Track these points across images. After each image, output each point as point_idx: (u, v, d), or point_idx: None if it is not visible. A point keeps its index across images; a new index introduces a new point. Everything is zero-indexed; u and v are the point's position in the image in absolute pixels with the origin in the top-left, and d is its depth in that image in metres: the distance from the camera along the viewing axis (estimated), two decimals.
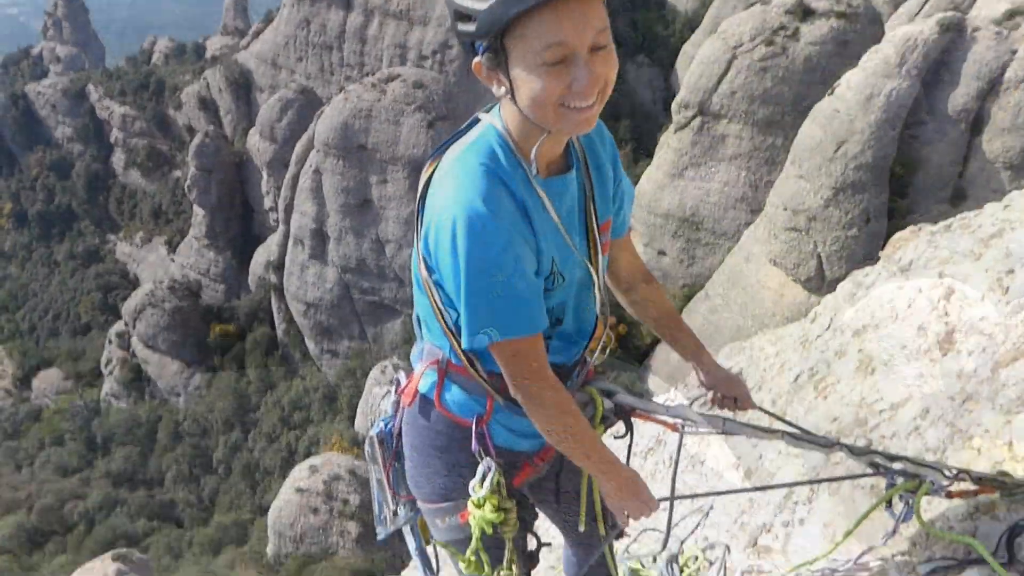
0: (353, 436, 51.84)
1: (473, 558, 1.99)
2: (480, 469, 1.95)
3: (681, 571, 2.79)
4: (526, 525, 2.00)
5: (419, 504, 2.15)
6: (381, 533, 2.42)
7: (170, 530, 53.24)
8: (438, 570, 2.37)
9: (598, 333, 2.07)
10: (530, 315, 1.76)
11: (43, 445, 64.13)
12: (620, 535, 2.33)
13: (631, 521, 1.98)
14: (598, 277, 1.95)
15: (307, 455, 48.88)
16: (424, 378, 2.06)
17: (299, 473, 37.76)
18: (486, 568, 2.00)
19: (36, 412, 68.02)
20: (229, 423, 59.77)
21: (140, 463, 60.71)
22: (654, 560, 3.04)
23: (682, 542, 3.14)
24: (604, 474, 1.92)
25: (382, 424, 2.31)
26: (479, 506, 1.92)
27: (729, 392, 2.26)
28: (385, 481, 2.30)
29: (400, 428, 2.22)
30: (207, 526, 50.26)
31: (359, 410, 53.71)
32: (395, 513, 2.35)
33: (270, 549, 35.96)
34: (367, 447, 2.32)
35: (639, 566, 2.88)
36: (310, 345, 59.87)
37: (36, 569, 50.67)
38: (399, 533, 2.41)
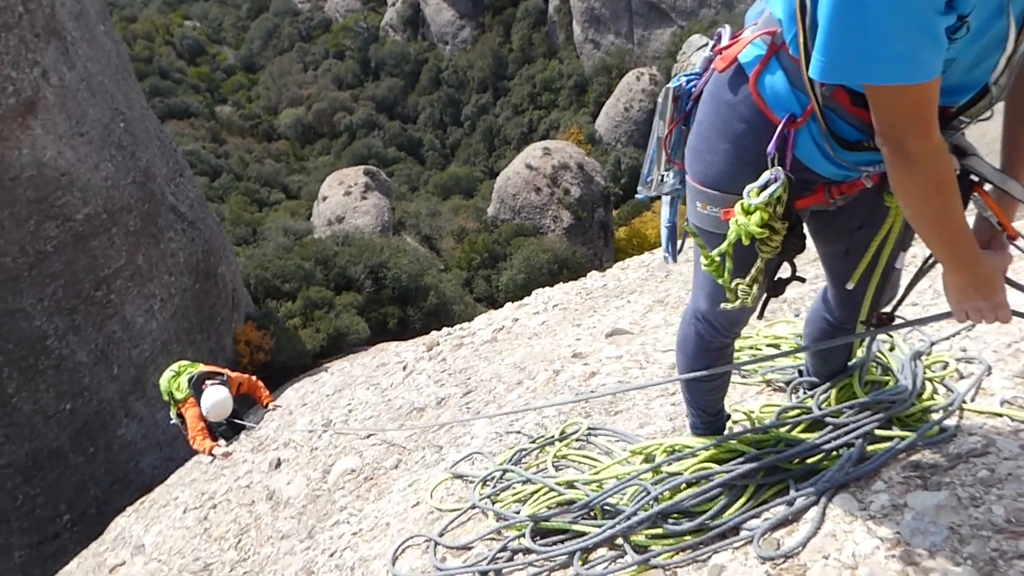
0: (591, 133, 52.38)
1: (717, 259, 1.76)
2: (765, 175, 1.63)
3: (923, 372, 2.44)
4: (787, 252, 1.70)
5: (687, 179, 1.90)
6: (642, 193, 2.24)
7: (413, 164, 59.20)
8: (678, 252, 2.20)
9: (977, 106, 1.55)
10: (935, 53, 1.31)
11: (327, 55, 70.89)
12: (882, 323, 1.99)
13: (968, 321, 1.63)
14: (1016, 43, 1.39)
15: (544, 137, 50.44)
16: (750, 48, 1.66)
17: (533, 151, 39.26)
18: (725, 275, 1.76)
19: (327, 23, 74.26)
20: (483, 84, 62.16)
21: (401, 97, 65.92)
22: (891, 348, 2.69)
23: (932, 343, 2.74)
24: (960, 268, 1.53)
25: (683, 80, 2.00)
26: (747, 212, 1.63)
27: None
28: (664, 141, 2.06)
29: (701, 92, 1.90)
30: (443, 171, 55.15)
31: (604, 110, 53.52)
32: (662, 179, 2.14)
33: (490, 210, 39.08)
34: (660, 98, 2.04)
35: (882, 352, 2.56)
36: (576, 30, 58.44)
37: (305, 160, 59.37)
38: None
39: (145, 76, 51.32)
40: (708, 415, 2.37)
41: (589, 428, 2.98)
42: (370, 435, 4.39)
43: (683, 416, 3.03)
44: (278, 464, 5.28)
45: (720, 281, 1.80)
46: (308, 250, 26.23)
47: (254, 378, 8.06)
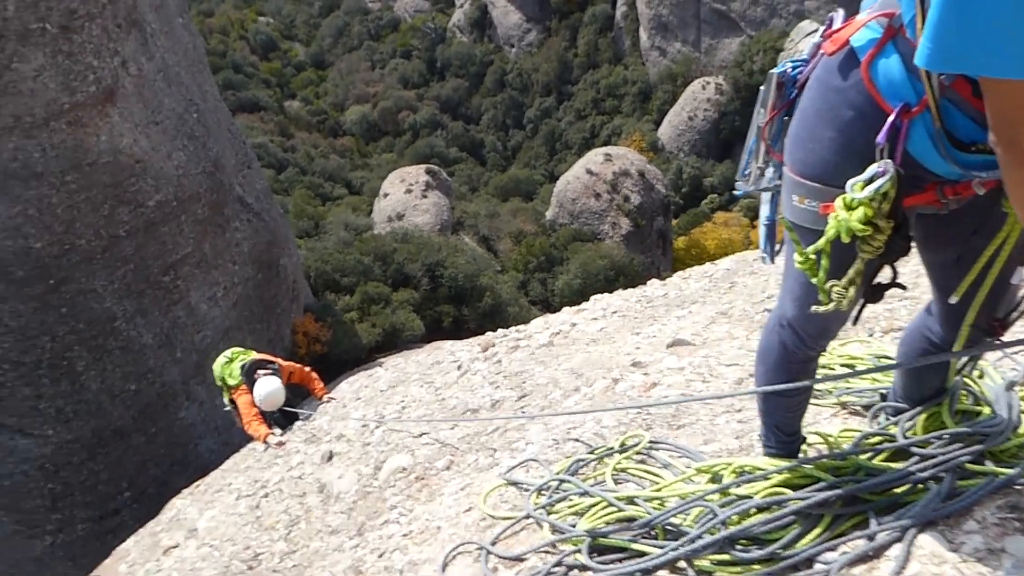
0: (653, 141, 51.83)
1: (812, 257, 1.63)
2: (872, 168, 1.51)
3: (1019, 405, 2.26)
4: (890, 254, 1.56)
5: (785, 170, 1.79)
6: (740, 188, 2.13)
7: (473, 165, 59.55)
8: (777, 252, 2.08)
9: None
10: None
11: (394, 54, 71.92)
12: (994, 333, 1.83)
13: None
14: None
15: (606, 142, 50.16)
16: (864, 30, 1.54)
17: (594, 156, 39.04)
18: (820, 274, 1.63)
19: (395, 22, 75.38)
20: (547, 87, 62.15)
21: (465, 97, 66.40)
22: (980, 376, 2.51)
23: None
24: None
25: (789, 66, 1.89)
26: (849, 207, 1.51)
27: None
28: (764, 131, 1.95)
29: (807, 79, 1.79)
30: (503, 173, 55.30)
31: (667, 118, 52.91)
32: (761, 172, 2.02)
33: (549, 214, 39.00)
34: (763, 87, 1.93)
35: (972, 380, 2.38)
36: (642, 37, 57.93)
37: (368, 156, 60.29)
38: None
39: (219, 69, 52.85)
40: (784, 435, 2.23)
41: (651, 441, 2.87)
42: (422, 434, 4.35)
43: (750, 435, 2.89)
44: (330, 457, 5.30)
45: (814, 281, 1.66)
46: (368, 246, 26.58)
47: (307, 369, 8.12)
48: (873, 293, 1.71)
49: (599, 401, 3.93)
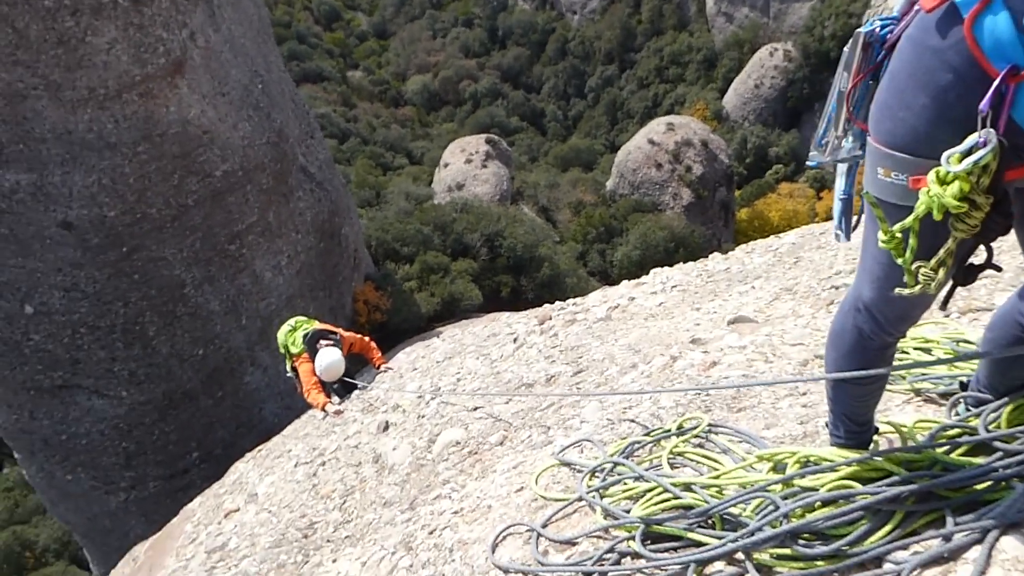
0: (718, 110, 50.49)
1: (899, 235, 1.49)
2: (972, 138, 1.36)
3: None
4: (988, 233, 1.42)
5: (869, 139, 1.64)
6: (814, 159, 1.98)
7: (534, 135, 59.15)
8: (853, 228, 1.93)
9: None
10: None
11: (456, 23, 71.60)
12: None
13: None
14: None
15: (669, 112, 49.11)
16: None
17: (656, 126, 38.27)
18: (907, 254, 1.48)
19: None
20: (610, 55, 61.05)
21: (526, 66, 65.79)
22: None
23: None
24: None
25: (878, 25, 1.72)
26: (943, 182, 1.37)
27: None
28: (847, 96, 1.80)
29: (897, 40, 1.63)
30: (564, 143, 54.77)
31: (732, 86, 51.36)
32: (839, 142, 1.87)
33: (609, 184, 38.50)
34: (847, 48, 1.78)
35: None
36: (708, 2, 56.25)
37: (429, 126, 60.48)
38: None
39: (283, 40, 53.60)
40: (855, 424, 2.10)
41: (710, 424, 2.76)
42: (476, 408, 4.33)
43: (815, 420, 2.76)
44: (386, 427, 5.34)
45: (900, 262, 1.51)
46: (428, 215, 26.75)
47: (367, 339, 8.23)
48: (965, 275, 1.56)
49: (657, 380, 3.82)
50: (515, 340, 6.56)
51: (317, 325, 7.94)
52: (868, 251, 1.73)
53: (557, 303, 8.11)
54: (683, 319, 5.54)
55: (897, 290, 1.56)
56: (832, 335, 1.95)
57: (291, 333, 7.87)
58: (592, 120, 59.35)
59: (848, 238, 1.95)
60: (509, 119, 59.49)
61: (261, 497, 5.23)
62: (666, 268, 7.80)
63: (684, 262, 8.08)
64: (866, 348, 1.85)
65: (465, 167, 36.10)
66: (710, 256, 8.34)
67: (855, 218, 1.93)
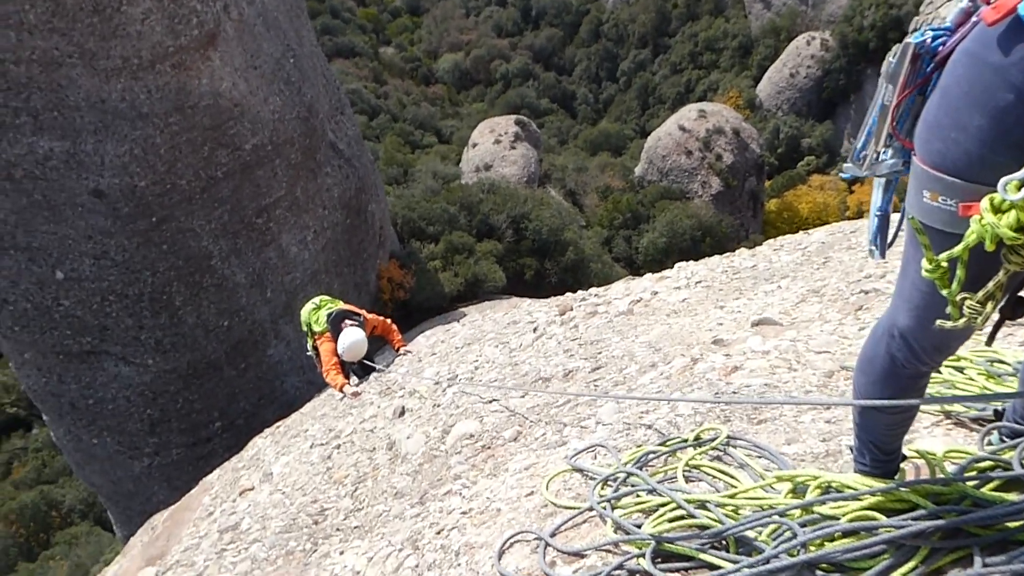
0: (751, 98, 49.66)
1: (944, 264, 1.40)
2: None
3: None
4: None
5: (915, 160, 1.54)
6: (848, 171, 1.87)
7: (564, 117, 58.69)
8: (888, 247, 1.84)
9: None
10: None
11: (490, 1, 71.02)
12: None
13: None
14: None
15: (701, 98, 48.42)
16: None
17: (688, 112, 37.76)
18: (953, 286, 1.39)
19: None
20: (643, 39, 60.25)
21: (559, 48, 65.14)
22: None
23: None
24: None
25: (929, 35, 1.61)
26: (997, 210, 1.28)
27: None
28: (891, 110, 1.70)
29: (950, 52, 1.54)
30: (594, 126, 54.29)
31: (767, 74, 50.43)
32: (878, 156, 1.77)
33: (638, 170, 38.13)
34: (891, 57, 1.67)
35: None
36: None
37: (459, 105, 60.18)
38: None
39: (317, 15, 53.53)
40: (881, 453, 2.01)
41: (728, 436, 2.69)
42: (492, 400, 4.29)
43: (838, 439, 2.67)
44: (402, 412, 5.33)
45: (944, 293, 1.42)
46: (454, 195, 26.70)
47: (388, 321, 8.21)
48: (1014, 309, 1.47)
49: (676, 382, 3.75)
50: (535, 330, 6.51)
51: (341, 305, 7.94)
52: (907, 277, 1.63)
53: (579, 293, 8.04)
54: (706, 317, 5.44)
55: (939, 322, 1.47)
56: (863, 360, 1.86)
57: (315, 311, 7.88)
58: (623, 104, 58.70)
59: (883, 257, 1.86)
60: (539, 101, 59.04)
61: (276, 477, 5.26)
62: (691, 263, 7.68)
63: (710, 251, 7.96)
64: (898, 376, 1.76)
65: (494, 148, 35.93)
66: (737, 251, 8.20)
67: (891, 235, 1.84)
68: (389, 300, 20.47)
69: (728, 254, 8.01)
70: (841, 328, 4.30)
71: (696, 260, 8.01)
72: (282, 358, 17.31)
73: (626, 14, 62.20)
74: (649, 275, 7.72)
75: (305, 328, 8.03)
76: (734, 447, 2.64)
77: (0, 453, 30.46)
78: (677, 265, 7.57)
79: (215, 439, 16.40)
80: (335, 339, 7.40)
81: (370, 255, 20.73)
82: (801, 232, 8.53)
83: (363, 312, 7.90)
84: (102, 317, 14.60)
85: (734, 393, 3.17)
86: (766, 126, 46.69)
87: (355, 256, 19.87)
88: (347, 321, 7.51)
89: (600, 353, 4.85)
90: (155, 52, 13.17)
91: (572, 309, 6.75)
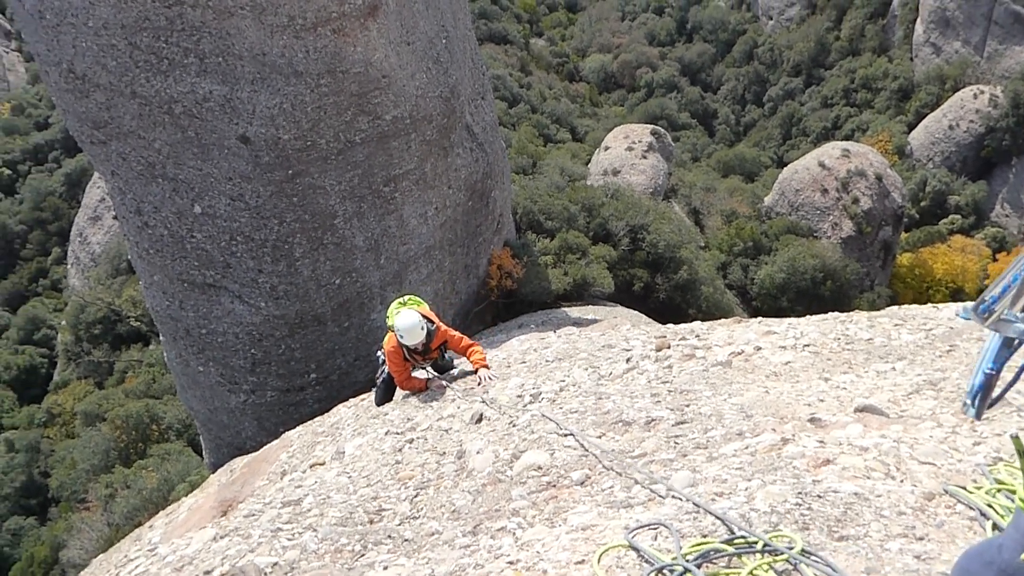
0: (901, 144, 46.72)
1: None
2: None
3: None
4: None
5: None
6: (966, 314, 1.76)
7: (701, 134, 57.31)
8: (987, 409, 1.69)
9: None
10: None
11: (647, 8, 70.22)
12: None
13: None
14: None
15: (848, 137, 46.11)
16: None
17: (830, 149, 36.03)
18: None
19: None
20: (797, 68, 57.87)
21: (708, 64, 63.50)
22: None
23: None
24: None
25: None
26: None
27: None
28: None
29: None
30: (730, 148, 52.71)
31: (924, 122, 47.24)
32: (1010, 317, 1.63)
33: (768, 199, 36.78)
34: None
35: None
36: (918, 30, 51.67)
37: (599, 106, 59.86)
38: None
39: None
40: None
41: (803, 549, 2.54)
42: (568, 434, 4.24)
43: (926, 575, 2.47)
44: (479, 419, 5.36)
45: None
46: (578, 194, 26.63)
47: (467, 341, 7.61)
48: None
49: (759, 461, 3.58)
50: (628, 360, 6.39)
51: (424, 309, 7.82)
52: None
53: (681, 327, 7.82)
54: (808, 387, 5.17)
55: None
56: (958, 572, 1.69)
57: (399, 307, 7.87)
58: (764, 131, 56.62)
59: (979, 418, 1.70)
60: (679, 114, 57.83)
61: (347, 458, 5.41)
62: (802, 320, 7.31)
63: (829, 295, 7.51)
64: None
65: (625, 154, 35.54)
66: (853, 314, 7.75)
67: (992, 398, 1.68)
68: (496, 287, 20.64)
69: (844, 317, 7.56)
70: (954, 437, 3.98)
71: (813, 300, 7.59)
72: (382, 324, 17.80)
73: (784, 39, 59.80)
74: (756, 324, 7.41)
75: (389, 321, 7.89)
76: (806, 564, 2.49)
77: (119, 361, 33.06)
78: (787, 322, 7.23)
79: (308, 389, 17.11)
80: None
81: (485, 240, 20.96)
82: (929, 305, 7.97)
83: (438, 321, 7.63)
84: (228, 255, 15.48)
85: (819, 497, 2.99)
86: (913, 176, 43.92)
87: (471, 238, 20.14)
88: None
89: (688, 406, 4.71)
90: (319, 15, 13.75)
91: (669, 347, 6.58)
